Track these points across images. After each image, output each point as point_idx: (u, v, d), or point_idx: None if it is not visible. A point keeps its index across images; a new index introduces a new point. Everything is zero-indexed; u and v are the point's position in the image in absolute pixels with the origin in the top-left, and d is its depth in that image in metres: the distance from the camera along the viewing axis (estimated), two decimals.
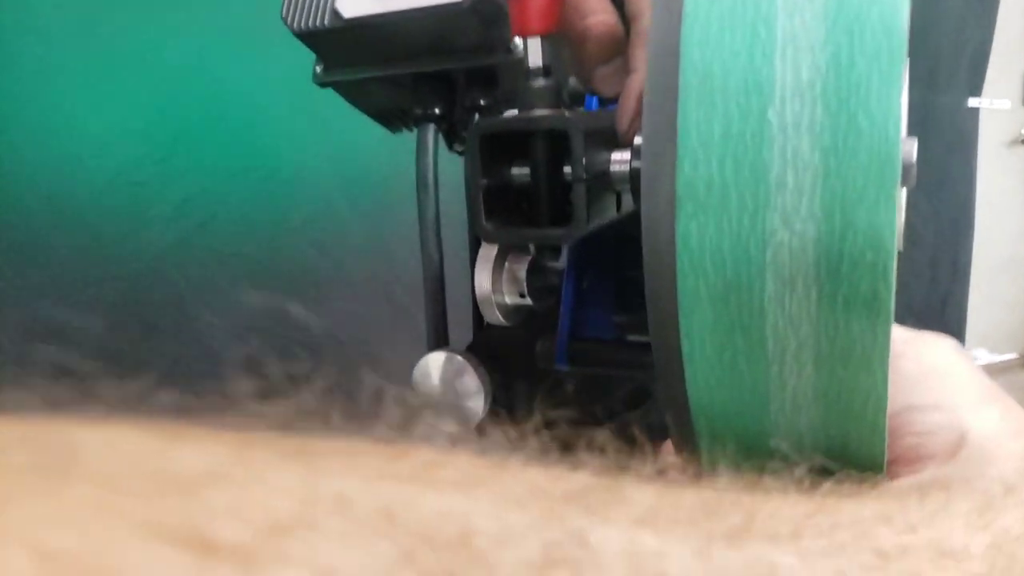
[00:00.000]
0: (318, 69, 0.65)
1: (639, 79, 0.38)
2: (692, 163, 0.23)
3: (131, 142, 1.20)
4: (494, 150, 0.39)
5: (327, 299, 1.20)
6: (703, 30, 0.23)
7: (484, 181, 0.38)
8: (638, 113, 0.39)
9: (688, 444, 0.27)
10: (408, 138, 0.65)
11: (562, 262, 0.55)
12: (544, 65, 0.39)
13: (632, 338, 0.56)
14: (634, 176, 0.38)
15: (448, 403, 0.59)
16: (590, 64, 0.40)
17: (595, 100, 0.60)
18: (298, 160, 1.21)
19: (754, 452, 0.26)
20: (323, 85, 0.65)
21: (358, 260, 1.22)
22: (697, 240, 0.24)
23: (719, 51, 0.22)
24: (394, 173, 1.19)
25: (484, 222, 0.38)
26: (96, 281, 1.14)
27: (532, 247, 0.55)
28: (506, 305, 0.54)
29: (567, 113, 0.36)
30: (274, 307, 1.22)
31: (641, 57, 0.38)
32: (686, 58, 0.23)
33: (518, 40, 0.59)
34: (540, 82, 0.39)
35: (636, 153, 0.38)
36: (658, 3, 0.24)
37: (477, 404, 0.57)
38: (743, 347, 0.24)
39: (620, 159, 0.39)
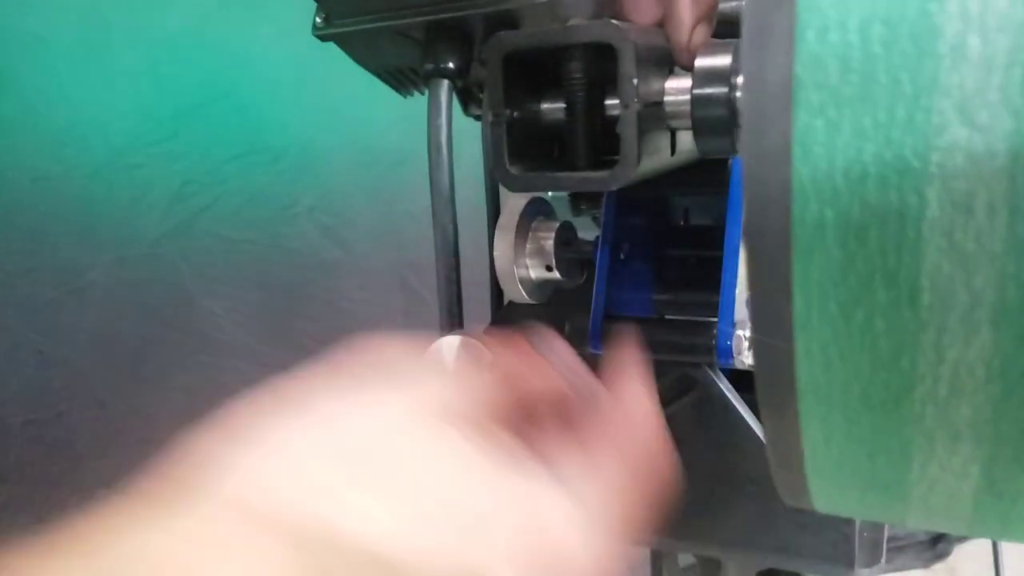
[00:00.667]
0: (318, 20, 0.57)
1: None
2: (819, 28, 0.16)
3: (128, 121, 1.13)
4: (520, 76, 0.31)
5: (335, 286, 1.13)
6: None
7: (508, 112, 0.31)
8: (699, 20, 0.31)
9: (790, 452, 0.19)
10: (424, 113, 0.57)
11: (594, 234, 0.47)
12: None
13: (672, 317, 0.48)
14: (698, 106, 0.30)
15: None
16: None
17: None
18: (305, 140, 1.14)
19: (888, 467, 0.18)
20: (324, 38, 0.58)
21: (369, 245, 1.15)
22: (824, 145, 0.16)
23: None
24: (408, 152, 1.11)
25: (508, 165, 0.31)
26: (93, 266, 1.07)
27: (562, 209, 0.47)
28: (531, 280, 0.46)
29: (614, 21, 0.29)
30: (279, 294, 1.16)
31: None
32: None
33: None
34: None
35: (700, 78, 0.30)
36: None
37: None
38: (884, 304, 0.16)
39: (678, 87, 0.31)
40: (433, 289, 0.58)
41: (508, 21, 0.54)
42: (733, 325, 0.39)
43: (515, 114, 0.31)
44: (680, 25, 0.31)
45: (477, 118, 0.64)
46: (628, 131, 0.29)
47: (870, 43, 0.16)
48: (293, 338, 1.15)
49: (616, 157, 0.33)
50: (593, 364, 0.45)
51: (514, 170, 0.31)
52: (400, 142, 1.13)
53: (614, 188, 0.29)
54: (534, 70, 0.32)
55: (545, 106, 0.33)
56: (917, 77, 0.15)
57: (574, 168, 0.32)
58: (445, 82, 0.55)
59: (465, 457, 0.22)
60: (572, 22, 0.30)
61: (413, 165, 1.12)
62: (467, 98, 0.61)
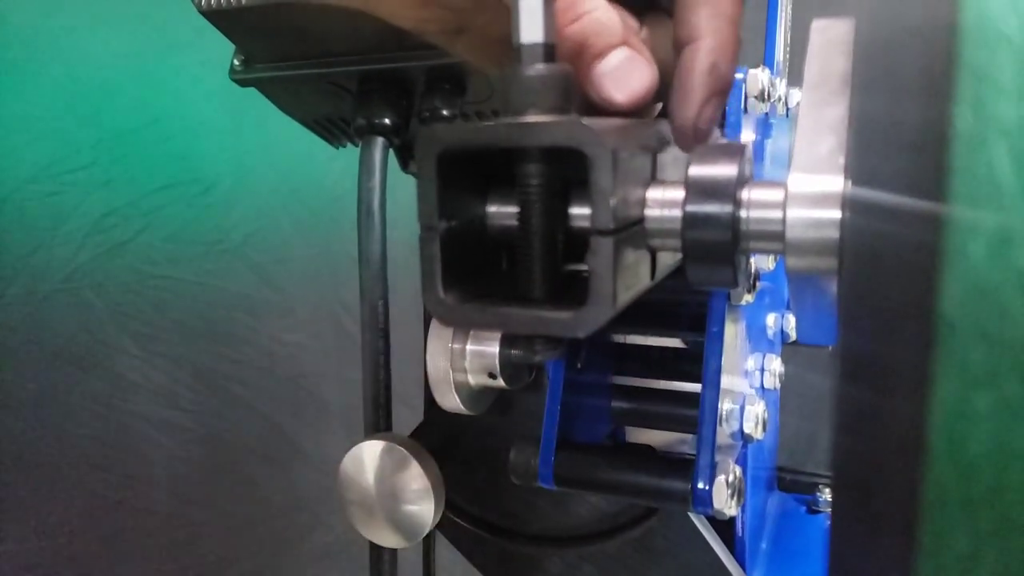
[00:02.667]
0: (236, 62, 0.48)
1: (709, 48, 0.23)
2: (993, 237, 0.08)
3: (46, 146, 1.01)
4: (461, 176, 0.23)
5: (264, 327, 1.03)
6: None
7: (443, 225, 0.22)
8: (714, 94, 0.24)
9: None
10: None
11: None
12: (545, 42, 0.23)
13: (634, 441, 0.41)
14: (692, 226, 0.22)
15: (387, 508, 0.42)
16: (588, 60, 0.25)
17: None
18: (238, 172, 1.04)
19: None
20: (242, 83, 0.48)
21: (302, 284, 1.06)
22: (989, 439, 0.09)
23: None
24: (347, 188, 1.02)
25: (441, 293, 0.22)
26: None
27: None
28: (469, 387, 0.38)
29: (585, 120, 0.21)
30: (203, 335, 1.06)
31: (706, 19, 0.23)
32: None
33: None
34: (538, 69, 0.23)
35: (696, 191, 0.23)
36: None
37: (425, 510, 0.41)
38: None
39: (664, 199, 0.23)
40: None
41: (452, 76, 0.47)
42: (713, 466, 0.31)
43: (453, 223, 0.23)
44: (689, 96, 0.24)
45: (416, 175, 0.56)
46: (601, 264, 0.21)
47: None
48: (217, 382, 1.05)
49: (580, 269, 0.25)
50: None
51: (449, 299, 0.22)
52: (339, 177, 1.04)
53: (582, 335, 0.21)
54: (481, 165, 0.24)
55: (492, 209, 0.25)
56: None
57: (527, 296, 0.24)
58: (380, 140, 0.47)
59: None
60: (531, 116, 0.22)
61: (352, 202, 1.03)
62: (405, 154, 0.53)
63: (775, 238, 0.21)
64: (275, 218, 1.06)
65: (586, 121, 0.21)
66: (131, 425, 1.01)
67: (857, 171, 0.10)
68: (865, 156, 0.09)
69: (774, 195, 0.21)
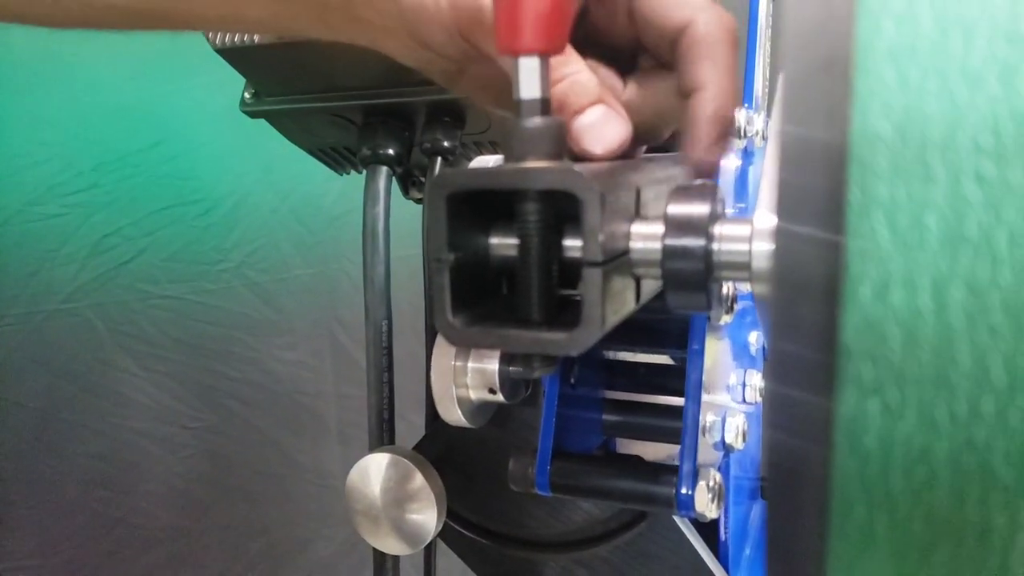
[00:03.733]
0: (247, 95, 0.52)
1: (712, 96, 0.27)
2: (876, 283, 0.11)
3: (47, 168, 1.04)
4: (466, 212, 0.26)
5: (263, 345, 1.06)
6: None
7: (451, 257, 0.26)
8: (720, 136, 0.27)
9: None
10: (361, 183, 0.52)
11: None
12: (542, 98, 0.26)
13: (624, 452, 0.44)
14: (671, 258, 0.25)
15: (391, 516, 0.45)
16: (568, 116, 0.29)
17: None
18: (238, 193, 1.06)
19: None
20: (252, 115, 0.52)
21: (299, 303, 1.08)
22: (877, 437, 0.12)
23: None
24: (344, 208, 1.05)
25: (450, 317, 0.25)
26: None
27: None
28: (470, 402, 0.41)
29: (577, 167, 0.24)
30: (203, 353, 1.08)
31: (708, 71, 0.27)
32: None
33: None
34: (535, 122, 0.26)
35: (674, 227, 0.26)
36: None
37: (428, 518, 0.44)
38: None
39: (646, 233, 0.26)
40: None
41: (452, 109, 0.50)
42: (695, 473, 0.34)
43: (459, 255, 0.26)
44: (698, 140, 0.28)
45: (418, 201, 0.59)
46: (591, 292, 0.24)
47: (947, 312, 0.11)
48: (217, 399, 1.07)
49: (574, 294, 0.28)
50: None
51: (457, 322, 0.26)
52: (337, 198, 1.07)
53: (574, 353, 0.24)
54: (481, 202, 0.27)
55: (495, 241, 0.28)
56: (1013, 365, 0.11)
57: (526, 318, 0.27)
58: (384, 169, 0.50)
59: None
60: (529, 163, 0.25)
61: (349, 221, 1.06)
62: (407, 182, 0.56)
63: (743, 268, 0.24)
64: (274, 238, 1.09)
65: (577, 167, 0.24)
66: (131, 442, 1.03)
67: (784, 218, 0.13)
68: (787, 216, 0.12)
69: (742, 230, 0.25)
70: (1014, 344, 0.11)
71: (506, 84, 0.30)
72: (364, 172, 0.51)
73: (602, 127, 0.28)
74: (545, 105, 0.27)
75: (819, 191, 0.12)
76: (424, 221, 0.49)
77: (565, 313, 0.28)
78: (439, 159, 0.49)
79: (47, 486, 1.01)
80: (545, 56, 0.26)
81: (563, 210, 0.27)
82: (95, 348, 1.04)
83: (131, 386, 1.05)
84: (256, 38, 0.46)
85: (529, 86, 0.26)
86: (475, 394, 0.40)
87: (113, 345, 1.04)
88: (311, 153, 0.56)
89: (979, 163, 0.11)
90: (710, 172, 0.29)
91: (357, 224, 0.51)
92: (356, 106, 0.49)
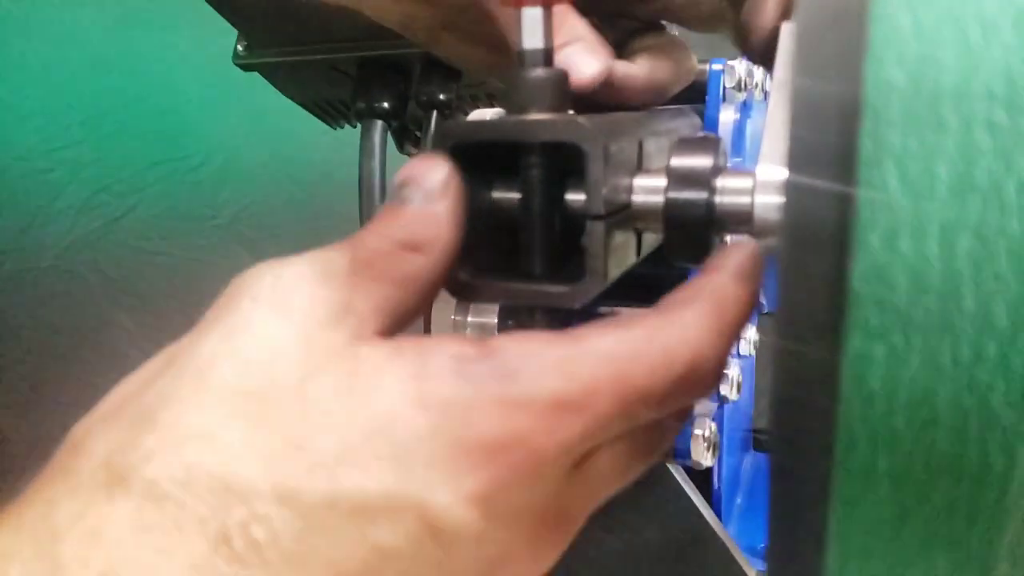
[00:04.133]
0: (239, 48, 0.51)
1: None
2: (886, 231, 0.12)
3: (36, 124, 1.02)
4: (469, 166, 0.26)
5: None
6: None
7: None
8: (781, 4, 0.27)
9: None
10: (355, 138, 0.52)
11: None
12: (545, 48, 0.26)
13: None
14: (673, 210, 0.26)
15: None
16: None
17: None
18: (229, 149, 1.05)
19: None
20: (245, 67, 0.51)
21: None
22: (883, 380, 0.12)
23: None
24: (337, 164, 1.05)
25: (456, 269, 0.26)
26: None
27: None
28: None
29: (580, 119, 0.24)
30: (197, 310, 1.08)
31: None
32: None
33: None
34: (538, 73, 0.26)
35: (676, 180, 0.26)
36: None
37: None
38: (946, 575, 0.13)
39: (648, 186, 0.26)
40: None
41: (448, 62, 0.49)
42: (691, 422, 0.35)
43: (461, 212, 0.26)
44: (763, 8, 0.28)
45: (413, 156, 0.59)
46: (595, 244, 0.24)
47: (954, 259, 0.12)
48: None
49: (578, 246, 0.29)
50: None
51: (464, 275, 0.26)
52: (329, 153, 1.06)
53: (577, 306, 0.25)
54: (486, 156, 0.27)
55: (497, 195, 0.28)
56: (1017, 310, 0.12)
57: (529, 272, 0.27)
58: (379, 123, 0.50)
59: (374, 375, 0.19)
60: (532, 115, 0.25)
61: (342, 178, 1.05)
62: (402, 136, 0.55)
63: (745, 220, 0.24)
64: (266, 193, 1.08)
65: (581, 119, 0.24)
66: None
67: (796, 171, 0.13)
68: (798, 168, 0.12)
69: (744, 183, 0.25)
70: (1017, 290, 0.12)
71: (494, 38, 0.30)
72: (359, 126, 0.50)
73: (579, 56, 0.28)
74: (548, 56, 0.27)
75: (831, 141, 0.12)
76: None
77: (568, 265, 0.28)
78: (435, 112, 0.49)
79: (43, 442, 1.01)
80: (548, 7, 0.26)
81: (565, 162, 0.27)
82: (89, 304, 1.04)
83: (126, 342, 1.05)
84: None
85: (532, 36, 0.26)
86: None
87: (108, 301, 1.04)
88: (305, 107, 0.56)
89: (992, 111, 0.11)
90: (768, 43, 0.28)
91: (349, 179, 0.51)
92: (351, 58, 0.49)
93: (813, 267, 0.12)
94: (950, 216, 0.12)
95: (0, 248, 0.98)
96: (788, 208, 0.13)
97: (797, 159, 0.12)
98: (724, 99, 0.38)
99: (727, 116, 0.41)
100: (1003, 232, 0.12)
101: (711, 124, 0.40)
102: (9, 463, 0.99)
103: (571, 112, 0.26)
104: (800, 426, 0.13)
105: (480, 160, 0.28)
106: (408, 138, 0.55)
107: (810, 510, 0.13)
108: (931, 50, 0.12)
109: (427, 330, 0.42)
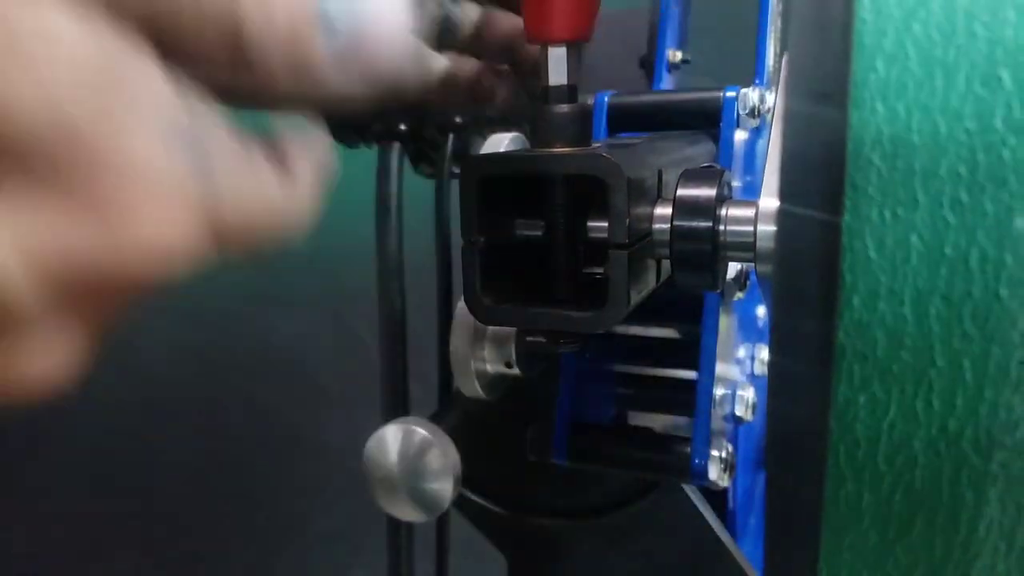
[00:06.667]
0: None
1: None
2: (866, 294, 0.14)
3: None
4: (495, 196, 0.29)
5: (265, 320, 1.09)
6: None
7: (481, 240, 0.28)
8: None
9: None
10: (370, 159, 0.54)
11: None
12: (568, 84, 0.28)
13: (636, 423, 0.47)
14: (679, 239, 0.28)
15: (408, 485, 0.48)
16: None
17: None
18: None
19: None
20: None
21: (303, 276, 1.11)
22: (866, 424, 0.14)
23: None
24: (344, 178, 1.07)
25: (480, 295, 0.28)
26: None
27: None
28: (488, 375, 0.44)
29: (604, 152, 0.26)
30: (205, 327, 1.10)
31: None
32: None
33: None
34: (563, 108, 0.28)
35: (682, 209, 0.28)
36: None
37: (444, 487, 0.47)
38: None
39: (667, 215, 0.29)
40: (370, 327, 0.55)
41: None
42: (708, 443, 0.37)
43: (488, 236, 0.29)
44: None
45: (429, 176, 0.61)
46: (618, 273, 0.26)
47: (926, 320, 0.14)
48: (217, 374, 1.10)
49: (598, 273, 0.31)
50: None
51: (487, 300, 0.28)
52: (338, 165, 1.08)
53: (600, 331, 0.27)
54: (510, 185, 0.30)
55: (522, 223, 0.31)
56: (982, 365, 0.14)
57: (553, 297, 0.29)
58: (396, 145, 0.52)
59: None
60: (557, 148, 0.28)
61: (351, 192, 1.07)
62: (418, 156, 0.58)
63: (748, 248, 0.27)
64: None
65: (605, 152, 0.26)
66: (131, 414, 1.06)
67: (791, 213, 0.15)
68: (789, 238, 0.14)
69: (747, 212, 0.27)
70: (982, 348, 0.14)
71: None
72: (375, 147, 0.52)
73: None
74: (572, 92, 0.29)
75: (816, 217, 0.14)
76: (437, 196, 0.52)
77: (591, 291, 0.30)
78: (451, 135, 0.51)
79: (49, 459, 1.04)
80: (572, 44, 0.29)
81: (588, 192, 0.29)
82: None
83: (130, 357, 1.08)
84: None
85: (558, 73, 0.29)
86: (492, 367, 0.43)
87: None
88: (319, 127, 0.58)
89: (956, 191, 0.14)
90: None
91: (358, 195, 0.53)
92: None
93: (803, 323, 0.15)
94: (922, 282, 0.14)
95: None
96: (778, 274, 0.15)
97: (787, 231, 0.15)
98: (738, 125, 0.40)
99: (740, 137, 0.43)
100: (968, 297, 0.14)
101: (726, 146, 0.42)
102: (11, 481, 1.02)
103: (595, 144, 0.29)
104: (794, 465, 0.15)
105: (505, 190, 0.30)
106: (424, 159, 0.57)
107: (803, 538, 0.15)
108: (903, 134, 0.14)
109: (442, 344, 0.44)
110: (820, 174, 0.14)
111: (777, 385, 0.15)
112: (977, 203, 0.13)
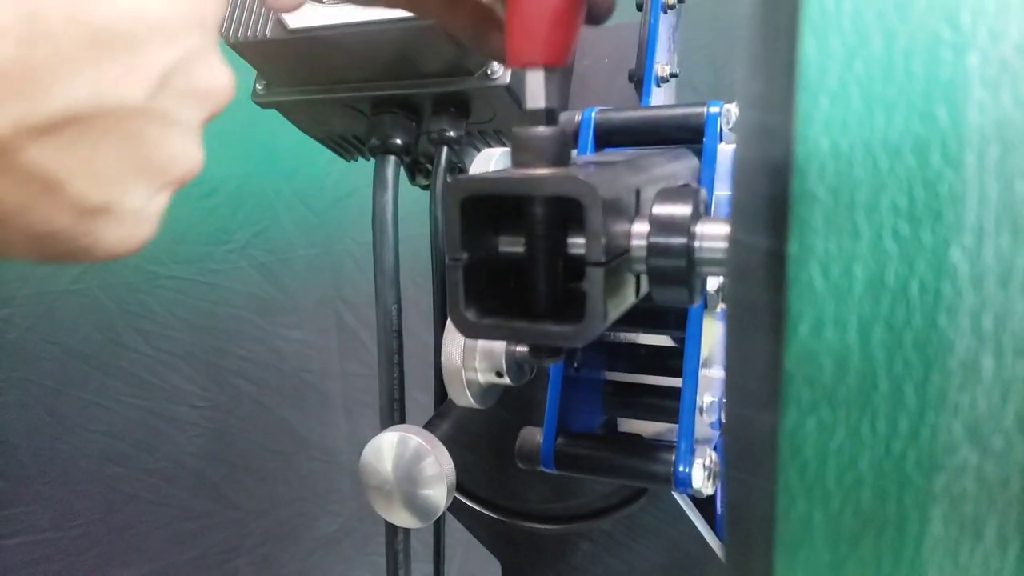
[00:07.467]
0: (258, 86, 0.54)
1: None
2: (813, 322, 0.14)
3: None
4: (478, 215, 0.29)
5: (269, 325, 1.09)
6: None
7: (465, 256, 0.29)
8: None
9: None
10: (368, 169, 0.55)
11: None
12: (547, 108, 0.29)
13: (624, 430, 0.47)
14: (655, 255, 0.28)
15: (403, 492, 0.48)
16: None
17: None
18: (242, 173, 1.09)
19: None
20: (264, 106, 0.54)
21: (305, 282, 1.12)
22: (815, 447, 0.15)
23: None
24: (348, 188, 1.08)
25: (464, 311, 0.28)
26: (7, 303, 1.01)
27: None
28: (479, 384, 0.44)
29: (580, 174, 0.27)
30: (211, 333, 1.11)
31: None
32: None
33: (497, 66, 0.50)
34: (541, 131, 0.29)
35: (658, 226, 0.29)
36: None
37: (438, 494, 0.47)
38: None
39: (644, 232, 0.29)
40: (371, 331, 0.56)
41: (457, 100, 0.52)
42: (692, 451, 0.38)
43: (472, 253, 0.29)
44: None
45: (424, 187, 0.62)
46: (595, 289, 0.27)
47: (870, 346, 0.14)
48: (225, 378, 1.10)
49: (579, 286, 0.31)
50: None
51: (470, 315, 0.29)
52: (340, 178, 1.09)
53: (579, 345, 0.27)
54: (492, 205, 0.30)
55: (503, 240, 0.31)
56: (923, 391, 0.14)
57: (533, 312, 0.30)
58: (392, 158, 0.53)
59: None
60: (536, 170, 0.28)
61: (353, 201, 1.08)
62: (414, 170, 0.58)
63: (721, 264, 0.27)
64: (278, 219, 1.11)
65: (581, 175, 0.27)
66: (142, 420, 1.06)
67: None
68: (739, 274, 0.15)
69: (721, 229, 0.27)
70: (923, 374, 0.14)
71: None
72: (373, 160, 0.53)
73: None
74: (550, 115, 0.29)
75: (764, 247, 0.15)
76: (431, 208, 0.52)
77: (571, 306, 0.30)
78: (445, 148, 0.52)
79: (62, 462, 1.04)
80: (551, 69, 0.29)
81: (567, 211, 0.29)
82: (105, 328, 1.07)
83: (141, 365, 1.08)
84: (268, 33, 0.48)
85: (535, 97, 0.29)
86: (483, 377, 0.43)
87: (123, 325, 1.07)
88: (320, 142, 0.59)
89: (897, 223, 0.14)
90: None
91: (360, 205, 0.54)
92: (365, 97, 0.52)
93: (754, 349, 0.15)
94: (866, 311, 0.14)
95: (19, 273, 1.01)
96: (731, 309, 0.15)
97: (738, 264, 0.15)
98: (722, 139, 0.41)
99: (724, 151, 0.43)
100: (909, 325, 0.14)
101: (709, 160, 0.43)
102: (25, 483, 1.02)
103: (575, 164, 0.29)
104: (748, 485, 0.15)
105: (489, 209, 0.30)
106: (419, 171, 0.58)
107: (759, 553, 0.16)
108: (846, 169, 0.14)
109: (437, 354, 0.45)
110: (767, 206, 0.14)
111: (731, 406, 0.15)
112: (916, 235, 0.14)
